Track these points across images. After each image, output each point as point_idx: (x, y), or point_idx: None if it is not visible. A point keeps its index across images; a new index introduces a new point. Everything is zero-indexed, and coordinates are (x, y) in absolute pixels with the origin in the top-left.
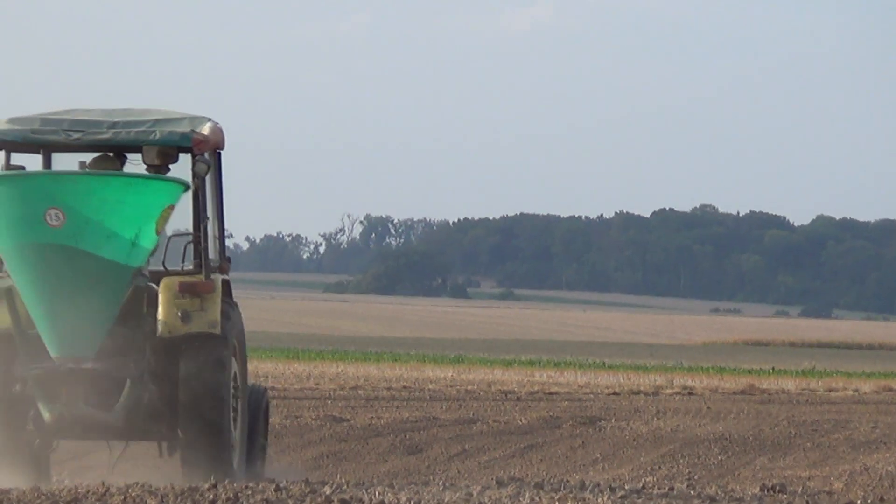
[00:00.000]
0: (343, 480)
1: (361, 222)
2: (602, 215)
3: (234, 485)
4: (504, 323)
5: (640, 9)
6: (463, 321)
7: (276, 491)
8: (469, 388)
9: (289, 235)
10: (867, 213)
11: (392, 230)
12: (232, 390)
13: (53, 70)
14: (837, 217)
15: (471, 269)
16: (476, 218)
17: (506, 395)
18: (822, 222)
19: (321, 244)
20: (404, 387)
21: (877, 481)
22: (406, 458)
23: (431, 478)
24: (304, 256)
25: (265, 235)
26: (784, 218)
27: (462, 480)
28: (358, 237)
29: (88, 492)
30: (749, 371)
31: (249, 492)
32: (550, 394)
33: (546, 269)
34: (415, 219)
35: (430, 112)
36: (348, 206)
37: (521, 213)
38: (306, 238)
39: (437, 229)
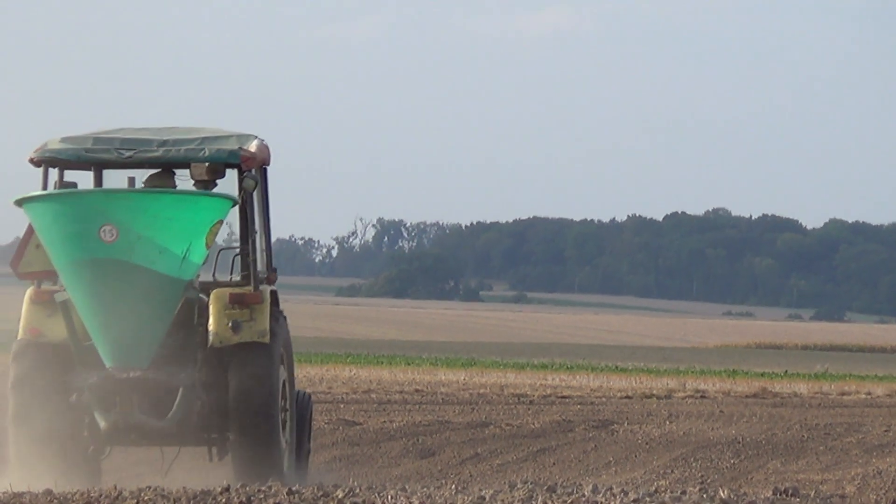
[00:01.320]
0: (355, 484)
1: (374, 226)
2: (615, 219)
3: (247, 488)
4: (516, 326)
5: (653, 13)
6: (475, 325)
7: (288, 494)
8: (481, 391)
9: (301, 239)
10: (880, 216)
11: (405, 233)
12: (281, 398)
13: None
14: (850, 220)
15: (483, 272)
16: (489, 221)
17: (518, 399)
18: (835, 226)
19: (334, 247)
20: (417, 390)
21: (889, 484)
22: (418, 462)
23: (444, 481)
24: (317, 260)
25: (277, 238)
26: (797, 221)
27: (474, 484)
28: (370, 240)
29: (101, 495)
30: (762, 374)
31: (262, 495)
32: (563, 397)
33: (558, 272)
34: (427, 222)
35: (443, 115)
36: (361, 209)
37: (534, 217)
38: (319, 241)
39: (449, 233)
